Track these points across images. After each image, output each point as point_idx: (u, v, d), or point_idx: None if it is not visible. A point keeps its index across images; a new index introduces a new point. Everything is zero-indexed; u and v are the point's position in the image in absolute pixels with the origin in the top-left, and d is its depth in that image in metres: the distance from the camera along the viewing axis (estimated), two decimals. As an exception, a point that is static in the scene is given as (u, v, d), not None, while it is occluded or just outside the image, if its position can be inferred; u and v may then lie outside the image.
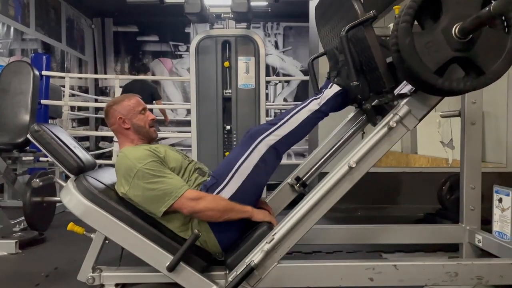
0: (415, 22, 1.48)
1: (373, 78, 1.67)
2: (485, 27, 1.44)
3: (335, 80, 1.91)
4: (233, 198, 1.73)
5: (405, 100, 1.64)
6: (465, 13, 1.43)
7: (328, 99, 1.85)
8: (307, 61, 2.31)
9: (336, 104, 1.88)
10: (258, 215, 1.75)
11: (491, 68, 1.47)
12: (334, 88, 1.87)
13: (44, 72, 4.54)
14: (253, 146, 1.76)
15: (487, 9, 1.34)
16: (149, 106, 5.26)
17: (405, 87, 1.79)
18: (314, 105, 1.85)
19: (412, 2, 1.46)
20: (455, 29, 1.44)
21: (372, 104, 1.73)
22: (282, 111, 8.21)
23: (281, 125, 1.80)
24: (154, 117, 1.93)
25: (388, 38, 1.60)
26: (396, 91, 1.74)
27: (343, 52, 1.71)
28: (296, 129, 1.81)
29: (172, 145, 7.31)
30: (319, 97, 1.86)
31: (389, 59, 1.60)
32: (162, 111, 6.21)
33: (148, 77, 6.02)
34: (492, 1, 1.40)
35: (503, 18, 1.46)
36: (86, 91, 8.65)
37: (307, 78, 3.73)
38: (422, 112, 1.66)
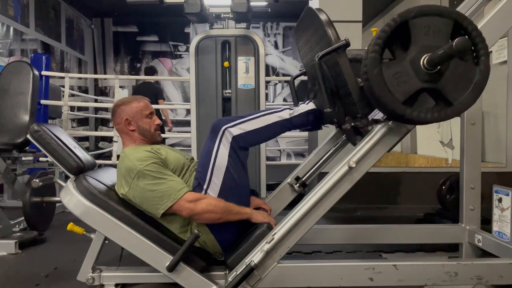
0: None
1: (348, 103, 1.67)
2: (454, 58, 1.45)
3: (313, 101, 1.91)
4: (219, 198, 1.72)
5: (379, 126, 1.63)
6: (433, 45, 1.44)
7: (300, 113, 1.84)
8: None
9: (307, 121, 1.85)
10: (257, 216, 1.75)
11: (458, 100, 1.47)
12: (310, 106, 1.86)
13: (43, 72, 4.54)
14: (219, 136, 1.74)
15: (450, 45, 1.35)
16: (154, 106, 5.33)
17: (379, 113, 1.79)
18: (285, 113, 1.83)
19: (381, 32, 1.46)
20: (423, 60, 1.45)
21: (352, 125, 1.72)
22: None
23: (247, 120, 1.78)
24: (160, 122, 1.94)
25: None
26: (370, 117, 1.74)
27: (316, 79, 1.70)
28: (261, 129, 1.79)
29: (172, 145, 7.31)
30: (293, 109, 1.85)
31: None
32: (165, 114, 6.20)
33: (148, 77, 6.05)
34: (462, 33, 1.42)
35: (473, 49, 1.47)
36: (85, 91, 8.65)
37: (306, 78, 3.72)
38: (394, 140, 1.64)
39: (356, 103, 1.60)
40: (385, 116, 1.65)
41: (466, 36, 1.43)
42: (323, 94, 1.68)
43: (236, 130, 1.74)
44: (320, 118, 1.85)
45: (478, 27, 1.48)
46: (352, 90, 1.58)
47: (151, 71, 6.20)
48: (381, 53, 1.46)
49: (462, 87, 1.46)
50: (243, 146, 1.77)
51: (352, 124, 1.71)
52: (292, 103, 2.04)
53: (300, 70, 2.28)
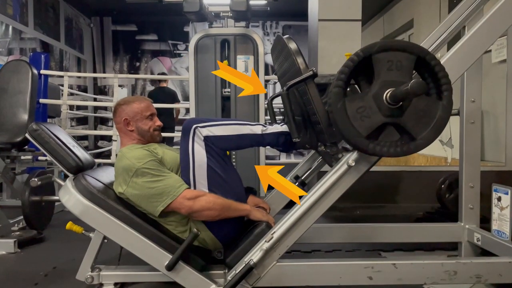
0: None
1: (318, 130, 1.66)
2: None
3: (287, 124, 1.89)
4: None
5: (348, 155, 1.62)
6: (396, 80, 1.44)
7: (272, 132, 1.81)
8: (307, 60, 2.30)
9: (277, 141, 1.83)
10: (256, 213, 1.75)
11: (421, 135, 1.47)
12: (283, 128, 1.82)
13: (42, 71, 4.53)
14: (191, 135, 1.71)
15: (405, 87, 1.36)
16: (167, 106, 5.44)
17: None
18: (257, 129, 1.81)
19: (344, 67, 1.46)
20: (386, 95, 1.45)
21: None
22: (281, 110, 8.24)
23: (217, 125, 1.75)
24: (161, 124, 1.93)
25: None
26: (340, 145, 1.74)
27: (284, 108, 1.69)
28: (231, 137, 1.76)
29: (172, 145, 7.30)
30: (266, 127, 1.83)
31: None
32: (177, 113, 6.81)
33: (148, 76, 6.09)
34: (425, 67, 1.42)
35: (435, 85, 1.48)
36: (85, 90, 8.64)
37: (306, 77, 3.71)
38: (363, 169, 1.63)
39: (325, 132, 1.60)
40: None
41: (421, 79, 1.44)
42: (290, 124, 1.68)
43: (206, 131, 1.72)
44: (290, 142, 1.81)
45: (442, 62, 1.49)
46: (321, 118, 1.58)
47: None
48: (345, 88, 1.47)
49: (425, 123, 1.47)
50: (211, 148, 1.74)
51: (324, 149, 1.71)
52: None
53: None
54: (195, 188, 1.71)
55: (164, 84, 6.67)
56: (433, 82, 1.51)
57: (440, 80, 1.47)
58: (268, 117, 2.39)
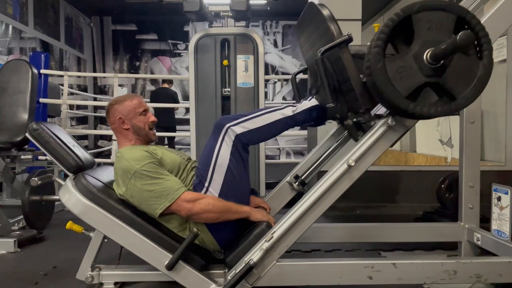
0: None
1: (350, 98, 1.66)
2: (457, 53, 1.44)
3: (315, 96, 1.90)
4: (220, 196, 1.71)
5: (382, 121, 1.63)
6: (436, 39, 1.44)
7: (303, 109, 1.83)
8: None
9: (310, 117, 1.85)
10: (256, 214, 1.75)
11: (461, 94, 1.47)
12: (312, 102, 1.85)
13: (42, 71, 4.53)
14: (222, 134, 1.73)
15: (453, 39, 1.35)
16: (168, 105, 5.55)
17: (382, 108, 1.79)
18: (288, 110, 1.82)
19: (384, 27, 1.46)
20: (426, 54, 1.45)
21: (354, 120, 1.72)
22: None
23: (250, 119, 1.77)
24: (155, 119, 1.93)
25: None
26: (373, 112, 1.74)
27: (318, 74, 1.71)
28: (264, 127, 1.78)
29: (173, 144, 7.30)
30: (295, 106, 1.85)
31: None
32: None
33: (148, 76, 6.13)
34: (465, 27, 1.42)
35: (476, 43, 1.47)
36: (84, 89, 8.64)
37: (306, 76, 3.72)
38: (397, 135, 1.64)
39: (359, 98, 1.59)
40: (388, 111, 1.65)
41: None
42: (325, 89, 1.68)
43: (239, 129, 1.73)
44: (322, 114, 1.85)
45: (481, 22, 1.48)
46: (355, 85, 1.58)
47: (168, 80, 6.99)
48: (384, 48, 1.46)
49: (465, 82, 1.46)
50: (246, 144, 1.76)
51: (354, 119, 1.71)
52: (293, 101, 2.03)
53: (299, 68, 2.27)
54: (209, 185, 1.71)
55: (166, 85, 6.84)
56: None
57: (481, 39, 1.45)
58: (293, 94, 2.39)
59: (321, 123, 1.96)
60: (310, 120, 1.87)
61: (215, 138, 1.75)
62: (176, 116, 8.54)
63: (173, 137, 7.21)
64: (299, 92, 2.07)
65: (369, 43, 1.50)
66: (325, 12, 1.68)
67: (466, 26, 1.45)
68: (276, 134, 1.88)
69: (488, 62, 1.46)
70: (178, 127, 7.12)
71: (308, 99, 1.88)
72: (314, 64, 1.71)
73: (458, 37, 1.33)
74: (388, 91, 1.45)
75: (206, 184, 1.72)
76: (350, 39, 1.57)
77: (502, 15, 1.66)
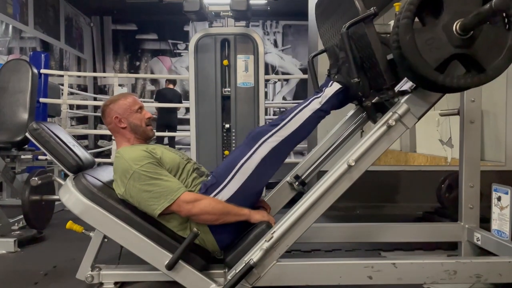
0: (416, 19, 1.48)
1: (374, 75, 1.66)
2: (486, 24, 1.44)
3: (336, 77, 1.90)
4: (232, 198, 1.72)
5: (405, 97, 1.64)
6: (466, 10, 1.43)
7: (329, 97, 1.84)
8: (307, 59, 2.30)
9: (337, 102, 1.87)
10: (256, 216, 1.74)
11: (491, 65, 1.47)
12: (335, 86, 1.86)
13: (42, 71, 4.53)
14: (255, 147, 1.75)
15: (488, 5, 1.33)
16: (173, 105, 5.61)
17: (405, 84, 1.79)
18: (315, 104, 1.84)
19: None
20: (456, 25, 1.44)
21: (373, 101, 1.73)
22: (282, 109, 8.24)
23: (283, 126, 1.79)
24: (151, 115, 1.93)
25: (389, 35, 1.60)
26: (396, 88, 1.74)
27: (343, 49, 1.70)
28: (298, 129, 1.80)
29: (174, 144, 7.31)
30: (320, 96, 1.85)
31: (389, 56, 1.60)
32: None
33: (148, 76, 6.17)
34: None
35: (504, 15, 1.46)
36: (85, 89, 8.64)
37: (306, 76, 3.73)
38: (422, 110, 1.66)
39: (383, 73, 1.59)
40: (413, 87, 1.65)
41: None
42: (350, 64, 1.67)
43: (275, 139, 1.76)
44: (346, 95, 1.86)
45: None
46: (380, 59, 1.57)
47: (173, 81, 7.23)
48: (413, 19, 1.45)
49: (495, 53, 1.46)
50: (284, 154, 1.80)
51: (374, 100, 1.71)
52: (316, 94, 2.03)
53: (299, 69, 2.26)
54: (224, 186, 1.72)
55: (171, 86, 7.07)
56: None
57: (510, 10, 1.44)
58: (268, 117, 2.40)
59: (344, 104, 1.97)
60: (338, 105, 1.89)
61: (245, 148, 1.77)
62: (180, 116, 8.64)
63: (174, 137, 7.29)
64: (317, 78, 2.05)
65: (391, 22, 1.50)
66: None
67: None
68: (311, 131, 1.90)
69: None
70: (178, 127, 7.15)
71: (330, 85, 1.88)
72: (337, 43, 1.70)
73: (493, 3, 1.31)
74: (417, 62, 1.44)
75: (221, 186, 1.73)
76: (376, 14, 1.57)
77: None
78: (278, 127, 1.79)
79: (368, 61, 1.65)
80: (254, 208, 1.80)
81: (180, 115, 8.72)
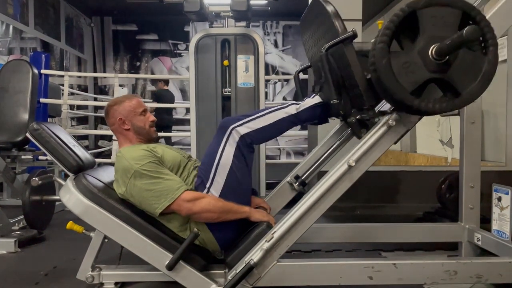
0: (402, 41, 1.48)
1: (355, 95, 1.66)
2: (463, 48, 1.45)
3: (318, 94, 1.90)
4: (221, 196, 1.72)
5: (385, 118, 1.63)
6: (441, 35, 1.44)
7: (307, 107, 1.84)
8: (306, 60, 2.30)
9: (314, 115, 1.85)
10: (256, 215, 1.75)
11: (466, 90, 1.47)
12: (316, 99, 1.85)
13: (43, 71, 4.53)
14: (226, 135, 1.74)
15: (460, 34, 1.35)
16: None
17: (386, 104, 1.79)
18: (292, 109, 1.83)
19: (389, 22, 1.46)
20: (431, 50, 1.45)
21: (357, 117, 1.72)
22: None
23: (254, 118, 1.78)
24: (155, 119, 1.94)
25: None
26: (377, 108, 1.74)
27: (323, 70, 1.70)
28: (268, 126, 1.79)
29: (173, 144, 7.31)
30: (299, 104, 1.85)
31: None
32: None
33: (148, 76, 6.18)
34: (470, 23, 1.42)
35: (481, 39, 1.47)
36: (85, 89, 8.64)
37: (306, 76, 3.73)
38: (402, 130, 1.64)
39: (363, 94, 1.59)
40: (392, 108, 1.65)
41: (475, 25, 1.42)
42: (329, 85, 1.68)
43: (244, 129, 1.74)
44: (326, 112, 1.85)
45: (486, 17, 1.48)
46: (359, 81, 1.58)
47: (167, 82, 7.20)
48: (389, 44, 1.46)
49: (471, 77, 1.46)
50: (251, 143, 1.76)
51: (358, 116, 1.71)
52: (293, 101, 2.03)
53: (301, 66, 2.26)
54: (210, 185, 1.72)
55: (166, 87, 7.06)
56: None
57: (486, 35, 1.45)
58: (296, 91, 2.39)
59: (324, 121, 1.96)
60: (314, 117, 1.87)
61: (219, 139, 1.75)
62: (176, 116, 8.61)
63: (170, 137, 7.36)
64: (302, 91, 2.06)
65: (373, 40, 1.50)
66: (330, 8, 1.68)
67: (471, 22, 1.45)
68: (280, 133, 1.89)
69: (493, 57, 1.47)
70: (178, 127, 7.18)
71: (312, 96, 1.88)
72: (318, 61, 1.70)
73: (464, 32, 1.33)
74: (393, 86, 1.45)
75: (208, 185, 1.73)
76: (354, 35, 1.57)
77: (506, 12, 1.66)
78: (250, 118, 1.78)
79: (348, 80, 1.65)
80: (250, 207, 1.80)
81: (180, 115, 8.73)
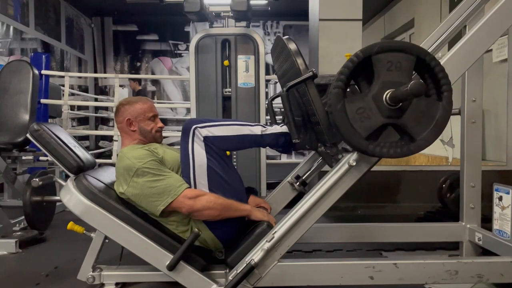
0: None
1: (318, 131, 1.66)
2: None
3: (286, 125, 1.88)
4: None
5: (347, 157, 1.62)
6: (396, 80, 1.44)
7: (271, 133, 1.82)
8: (307, 60, 2.30)
9: (277, 143, 1.83)
10: (257, 213, 1.75)
11: (421, 136, 1.47)
12: (282, 128, 1.83)
13: (43, 71, 4.54)
14: (190, 135, 1.72)
15: (405, 88, 1.35)
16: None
17: None
18: (257, 129, 1.81)
19: (343, 68, 1.46)
20: (386, 96, 1.44)
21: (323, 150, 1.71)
22: (282, 109, 8.23)
23: (216, 125, 1.76)
24: (163, 125, 1.94)
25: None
26: (340, 145, 1.73)
27: (284, 109, 1.69)
28: (231, 137, 1.77)
29: (172, 144, 7.31)
30: (266, 127, 1.84)
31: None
32: None
33: (148, 76, 6.14)
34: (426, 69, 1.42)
35: (435, 86, 1.47)
36: (85, 90, 8.64)
37: (307, 76, 3.71)
38: (364, 169, 1.63)
39: (325, 133, 1.59)
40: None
41: (421, 80, 1.45)
42: (290, 125, 1.67)
43: (205, 132, 1.72)
44: (290, 143, 1.81)
45: (442, 62, 1.49)
46: (321, 119, 1.57)
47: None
48: (344, 89, 1.47)
49: (425, 123, 1.47)
50: (211, 148, 1.74)
51: (323, 149, 1.71)
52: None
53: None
54: (195, 188, 1.71)
55: (139, 87, 7.04)
56: (433, 82, 1.50)
57: (440, 81, 1.47)
58: (268, 117, 2.37)
59: (288, 151, 1.94)
60: (277, 145, 1.85)
61: (185, 140, 1.73)
62: (176, 116, 8.61)
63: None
64: (275, 117, 2.03)
65: (332, 78, 1.50)
66: (291, 47, 1.67)
67: (425, 67, 1.46)
68: (242, 148, 1.88)
69: (447, 103, 1.47)
70: (178, 128, 7.16)
71: (281, 125, 1.86)
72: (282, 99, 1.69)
73: (409, 87, 1.34)
74: (347, 132, 1.45)
75: (193, 188, 1.71)
76: (314, 76, 1.56)
77: (462, 56, 1.66)
78: (211, 123, 1.76)
79: (313, 117, 1.64)
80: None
81: (181, 115, 8.74)
